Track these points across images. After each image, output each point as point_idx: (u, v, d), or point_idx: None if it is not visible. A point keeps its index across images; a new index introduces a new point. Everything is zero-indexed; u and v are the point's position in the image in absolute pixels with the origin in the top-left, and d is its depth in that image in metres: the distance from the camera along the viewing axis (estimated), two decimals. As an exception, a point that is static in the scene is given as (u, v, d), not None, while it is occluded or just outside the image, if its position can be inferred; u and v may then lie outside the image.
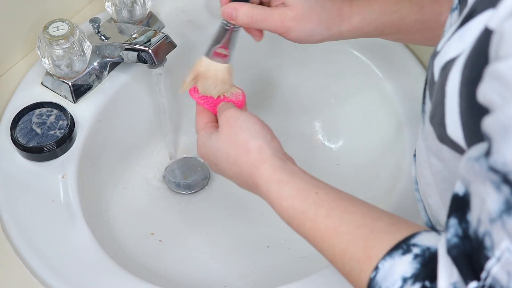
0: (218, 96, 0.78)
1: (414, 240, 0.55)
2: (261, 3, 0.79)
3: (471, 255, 0.48)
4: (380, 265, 0.55)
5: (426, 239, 0.55)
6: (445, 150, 0.55)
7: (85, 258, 0.81)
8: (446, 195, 0.61)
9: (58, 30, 0.87)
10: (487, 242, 0.46)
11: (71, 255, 0.81)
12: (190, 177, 1.04)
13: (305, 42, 0.78)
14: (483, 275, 0.46)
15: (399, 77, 0.99)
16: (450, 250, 0.49)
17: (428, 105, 0.58)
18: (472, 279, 0.47)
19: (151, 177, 1.04)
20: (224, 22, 0.78)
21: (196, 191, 1.03)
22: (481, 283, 0.46)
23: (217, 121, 0.76)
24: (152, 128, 1.03)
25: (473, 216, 0.48)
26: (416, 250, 0.54)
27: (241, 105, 0.79)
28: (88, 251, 0.81)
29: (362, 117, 1.04)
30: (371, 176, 1.00)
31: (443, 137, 0.54)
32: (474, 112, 0.48)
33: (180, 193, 1.03)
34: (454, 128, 0.52)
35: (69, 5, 1.00)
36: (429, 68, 0.60)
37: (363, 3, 0.78)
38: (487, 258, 0.46)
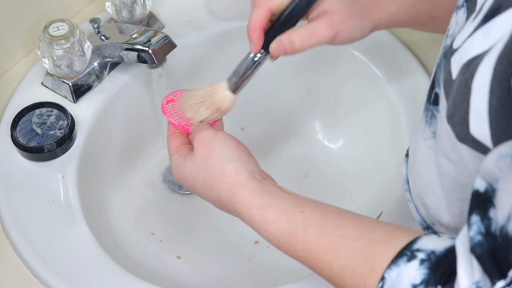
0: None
1: (416, 246, 0.54)
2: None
3: (494, 253, 0.47)
4: (386, 275, 0.53)
5: (429, 243, 0.54)
6: (464, 149, 0.53)
7: (85, 258, 0.81)
8: (452, 195, 0.60)
9: (58, 30, 0.87)
10: None
11: (71, 255, 0.81)
12: (190, 177, 1.04)
13: (353, 40, 0.75)
14: (511, 273, 0.45)
15: (399, 77, 0.99)
16: (475, 248, 0.48)
17: (443, 104, 0.56)
18: (498, 278, 0.46)
19: (151, 177, 1.04)
20: (253, 54, 0.74)
21: (196, 191, 1.03)
22: (508, 280, 0.45)
23: (189, 143, 0.74)
24: (152, 128, 1.03)
25: (499, 213, 0.47)
26: (421, 255, 0.52)
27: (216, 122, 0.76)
28: (88, 251, 0.81)
29: (362, 117, 1.04)
30: (371, 176, 1.00)
31: (464, 136, 0.52)
32: (507, 109, 0.46)
33: (180, 193, 1.03)
34: (480, 126, 0.50)
35: (69, 5, 1.00)
36: (439, 67, 0.58)
37: None
38: None
